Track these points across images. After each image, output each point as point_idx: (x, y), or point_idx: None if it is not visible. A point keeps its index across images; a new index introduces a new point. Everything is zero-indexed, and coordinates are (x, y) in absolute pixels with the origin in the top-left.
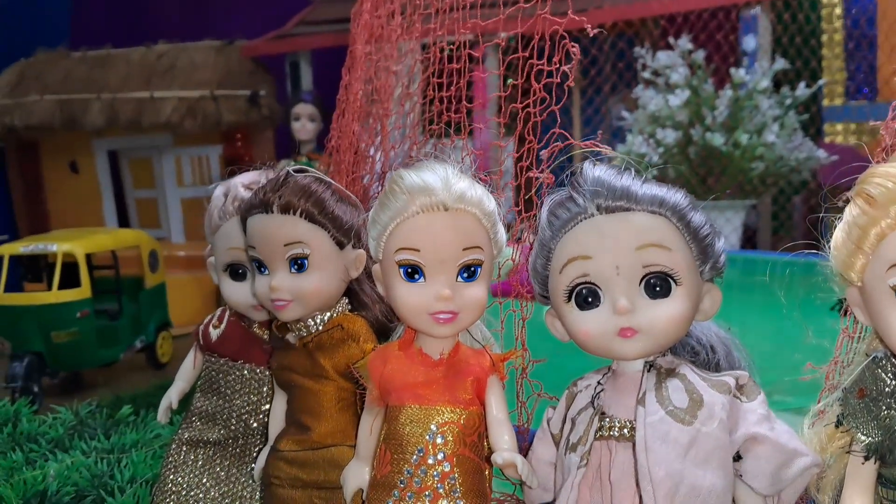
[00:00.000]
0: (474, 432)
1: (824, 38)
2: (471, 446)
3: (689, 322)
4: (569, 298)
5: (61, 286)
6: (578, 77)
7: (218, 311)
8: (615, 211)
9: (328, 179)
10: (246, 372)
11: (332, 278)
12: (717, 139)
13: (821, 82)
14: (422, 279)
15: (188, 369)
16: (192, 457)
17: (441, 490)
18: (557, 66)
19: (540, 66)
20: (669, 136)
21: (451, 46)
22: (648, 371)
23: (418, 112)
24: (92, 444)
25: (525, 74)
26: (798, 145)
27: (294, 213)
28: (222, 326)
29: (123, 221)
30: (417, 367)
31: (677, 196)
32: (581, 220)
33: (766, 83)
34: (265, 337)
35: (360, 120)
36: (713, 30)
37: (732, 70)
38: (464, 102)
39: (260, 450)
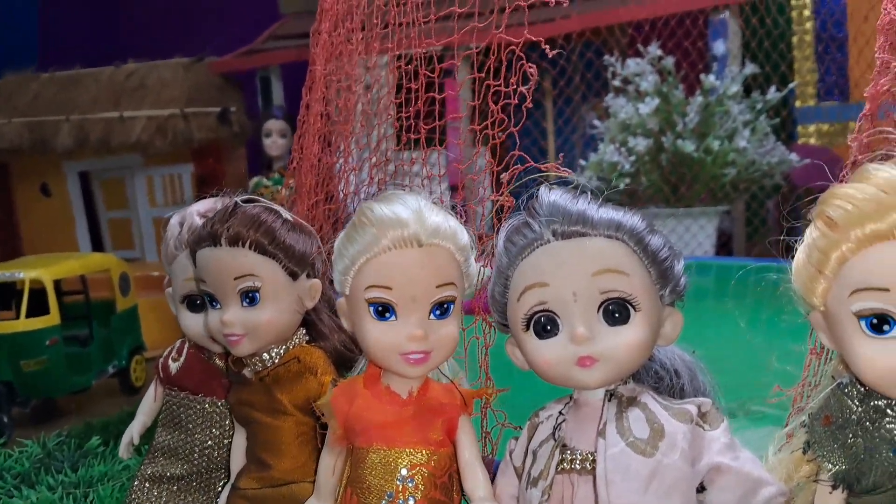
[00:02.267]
0: (445, 473)
1: (794, 39)
2: (441, 488)
3: (649, 349)
4: (527, 327)
5: (29, 314)
6: (549, 88)
7: (177, 344)
8: (571, 236)
9: (278, 208)
10: (207, 406)
11: (286, 310)
12: (689, 146)
13: (792, 85)
14: (393, 317)
15: (149, 403)
16: (156, 493)
17: None
18: (515, 85)
19: (497, 87)
20: (641, 144)
21: (417, 61)
22: (609, 400)
23: (387, 128)
24: (59, 477)
25: (483, 94)
26: (770, 149)
27: (243, 245)
28: (181, 359)
29: (97, 243)
30: (385, 407)
31: (634, 220)
32: (537, 247)
33: (736, 88)
34: (224, 368)
35: (321, 141)
36: (682, 36)
37: (702, 76)
38: (437, 116)
39: (224, 484)
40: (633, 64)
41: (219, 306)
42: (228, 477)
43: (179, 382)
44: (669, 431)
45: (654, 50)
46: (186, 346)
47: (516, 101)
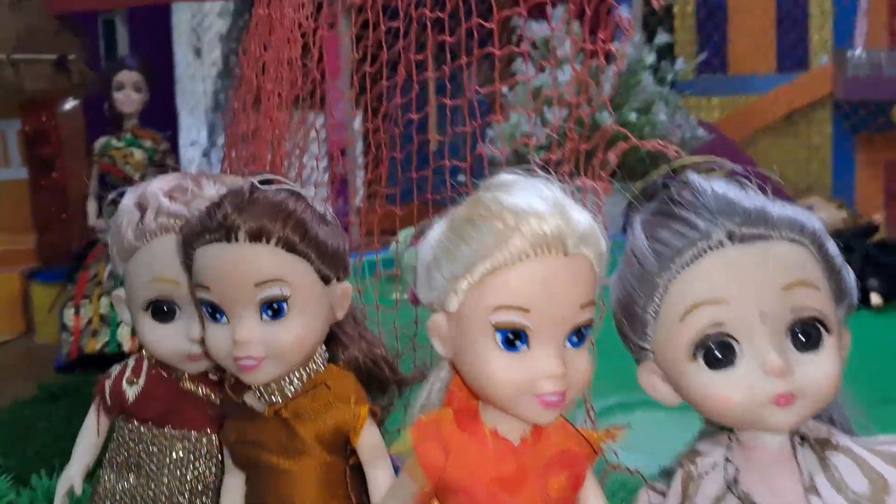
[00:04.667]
0: None
1: (676, 9)
2: None
3: (841, 380)
4: (694, 355)
5: None
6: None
7: (131, 362)
8: (751, 240)
9: (302, 192)
10: (178, 441)
11: (318, 324)
12: (605, 118)
13: (702, 57)
14: (524, 346)
15: (90, 439)
16: None
17: None
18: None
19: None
20: (557, 114)
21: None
22: (801, 444)
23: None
24: None
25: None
26: (681, 124)
27: (268, 242)
28: (140, 381)
29: None
30: (495, 457)
31: (813, 218)
32: (706, 251)
33: (651, 58)
34: (199, 392)
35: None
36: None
37: (616, 44)
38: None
39: None
40: (539, 27)
41: (224, 320)
42: None
43: (139, 411)
44: (892, 482)
45: (561, 13)
46: (146, 364)
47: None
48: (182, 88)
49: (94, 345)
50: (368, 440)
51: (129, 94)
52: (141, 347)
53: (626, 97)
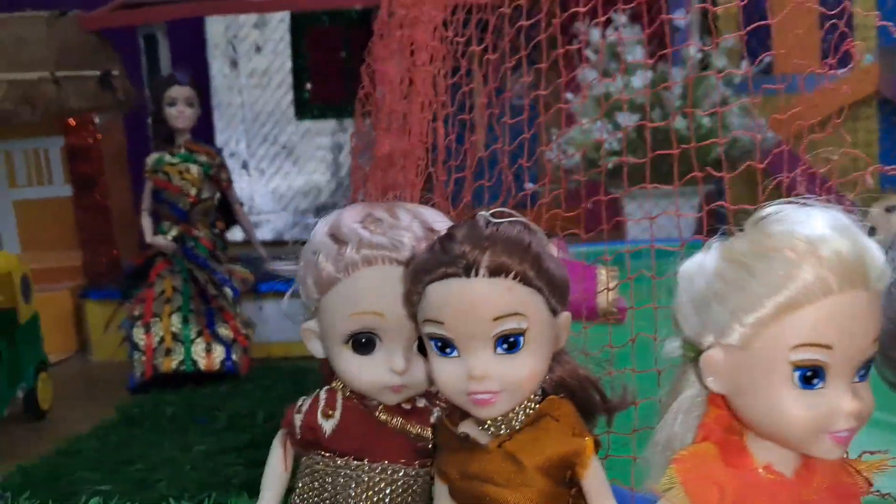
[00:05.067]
0: None
1: (720, 11)
2: None
3: None
4: None
5: None
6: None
7: (323, 394)
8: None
9: (531, 224)
10: (376, 474)
11: (548, 355)
12: (679, 122)
13: (767, 57)
14: (821, 384)
15: (277, 475)
16: None
17: None
18: None
19: None
20: (630, 120)
21: None
22: None
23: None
24: None
25: None
26: (752, 126)
27: (507, 276)
28: (336, 415)
29: None
30: (770, 490)
31: None
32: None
33: (723, 62)
34: (395, 424)
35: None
36: (641, 6)
37: (691, 49)
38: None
39: None
40: (595, 34)
41: (455, 353)
42: None
43: (337, 445)
44: None
45: (622, 19)
46: (340, 397)
47: None
48: (219, 101)
49: (170, 364)
50: (594, 473)
51: (181, 110)
52: (329, 378)
53: (696, 101)
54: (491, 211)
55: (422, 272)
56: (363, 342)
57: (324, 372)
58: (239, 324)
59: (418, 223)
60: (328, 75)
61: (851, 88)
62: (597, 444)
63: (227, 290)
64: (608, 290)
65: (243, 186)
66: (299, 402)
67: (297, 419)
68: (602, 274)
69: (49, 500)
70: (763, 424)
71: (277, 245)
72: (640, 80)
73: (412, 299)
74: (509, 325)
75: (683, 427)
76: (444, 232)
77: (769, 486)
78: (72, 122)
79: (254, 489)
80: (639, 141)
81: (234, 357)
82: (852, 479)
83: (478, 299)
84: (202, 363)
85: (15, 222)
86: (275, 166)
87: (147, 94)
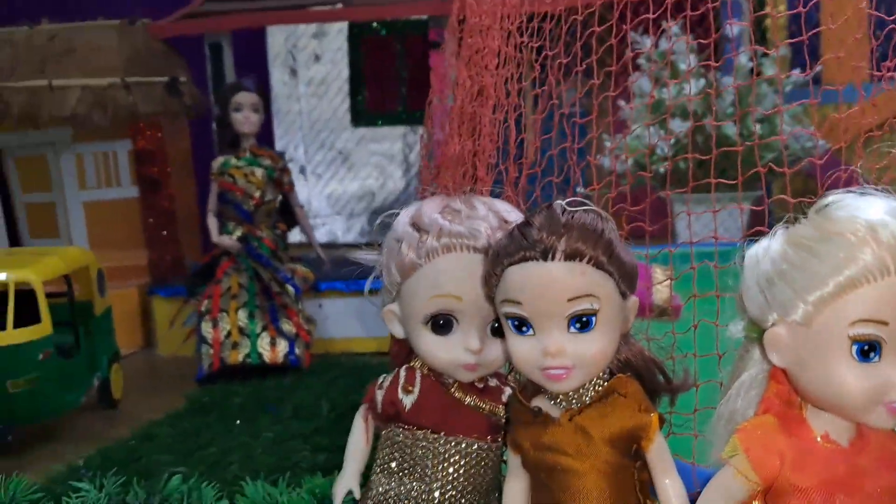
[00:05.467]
0: None
1: (768, 21)
2: None
3: None
4: None
5: (17, 323)
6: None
7: (403, 372)
8: None
9: (604, 213)
10: (451, 446)
11: (617, 335)
12: (730, 128)
13: (818, 67)
14: (877, 358)
15: (360, 447)
16: None
17: None
18: None
19: None
20: (682, 126)
21: None
22: None
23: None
24: None
25: None
26: (801, 134)
27: (581, 261)
28: (416, 391)
29: (11, 231)
30: (827, 458)
31: None
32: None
33: (772, 70)
34: (468, 401)
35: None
36: (692, 15)
37: (741, 58)
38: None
39: None
40: (645, 42)
41: (531, 332)
42: None
43: (417, 419)
44: None
45: (676, 29)
46: (418, 374)
47: None
48: (278, 108)
49: (236, 356)
50: (658, 447)
51: (247, 115)
52: (402, 360)
53: (746, 106)
54: (567, 200)
55: (502, 256)
56: (441, 323)
57: (394, 353)
58: (301, 320)
59: (493, 214)
60: (383, 84)
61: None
62: (661, 420)
63: (290, 288)
64: (662, 285)
65: (301, 191)
66: (380, 380)
67: (379, 395)
68: (657, 273)
69: (134, 479)
70: (822, 396)
71: (332, 248)
72: (693, 87)
73: (491, 282)
74: (582, 305)
75: (745, 403)
76: (520, 220)
77: (826, 454)
78: (141, 126)
79: (322, 471)
80: (688, 147)
81: (297, 351)
82: None
83: (554, 281)
84: (267, 356)
85: (84, 222)
86: (331, 171)
87: (212, 100)
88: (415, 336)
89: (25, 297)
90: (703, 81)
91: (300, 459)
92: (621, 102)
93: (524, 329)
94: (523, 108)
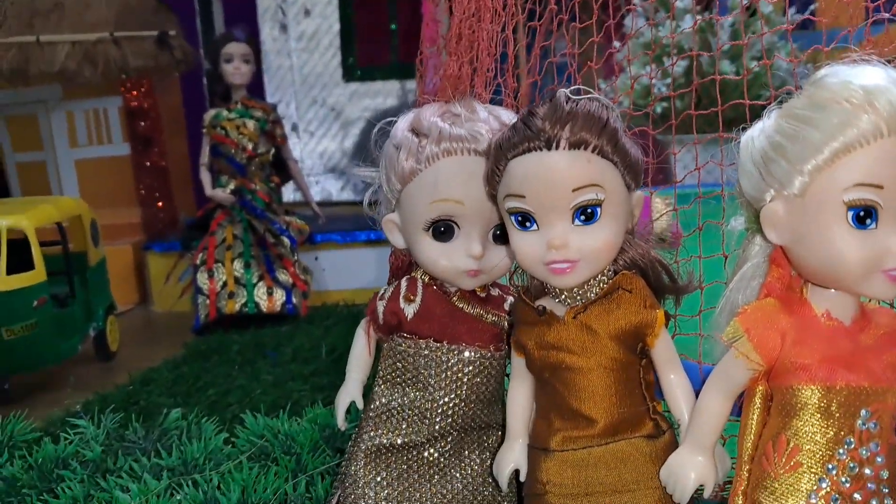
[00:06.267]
0: (894, 415)
1: None
2: (893, 431)
3: None
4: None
5: (10, 270)
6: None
7: (404, 283)
8: None
9: (608, 102)
10: (454, 355)
11: (622, 229)
12: (726, 66)
13: (812, 6)
14: (873, 224)
15: (363, 358)
16: (385, 466)
17: (872, 488)
18: None
19: None
20: (678, 65)
21: None
22: None
23: None
24: (148, 463)
25: None
26: (801, 73)
27: (586, 149)
28: (417, 300)
29: (3, 190)
30: (829, 335)
31: None
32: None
33: (769, 8)
34: (471, 310)
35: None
36: None
37: None
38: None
39: (500, 444)
40: None
41: (535, 227)
42: (485, 438)
43: (417, 328)
44: None
45: None
46: (420, 284)
47: None
48: (269, 64)
49: (233, 305)
50: (664, 343)
51: (238, 66)
52: (407, 269)
53: (742, 49)
54: (570, 88)
55: (505, 148)
56: (442, 230)
57: (394, 266)
58: (298, 270)
59: (493, 117)
60: (375, 37)
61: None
62: (667, 317)
63: (285, 239)
64: (662, 215)
65: (294, 149)
66: (381, 291)
67: (380, 305)
68: (657, 202)
69: (130, 419)
70: (820, 267)
71: (327, 206)
72: (688, 24)
73: (494, 178)
74: (587, 195)
75: (747, 293)
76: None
77: (828, 332)
78: (131, 82)
79: (323, 405)
80: (686, 86)
81: (294, 300)
82: None
83: (558, 171)
84: (264, 305)
85: (77, 181)
86: (324, 128)
87: (202, 55)
88: (415, 244)
89: (19, 246)
90: (698, 18)
91: (300, 398)
92: (616, 43)
93: (528, 224)
94: (521, 17)
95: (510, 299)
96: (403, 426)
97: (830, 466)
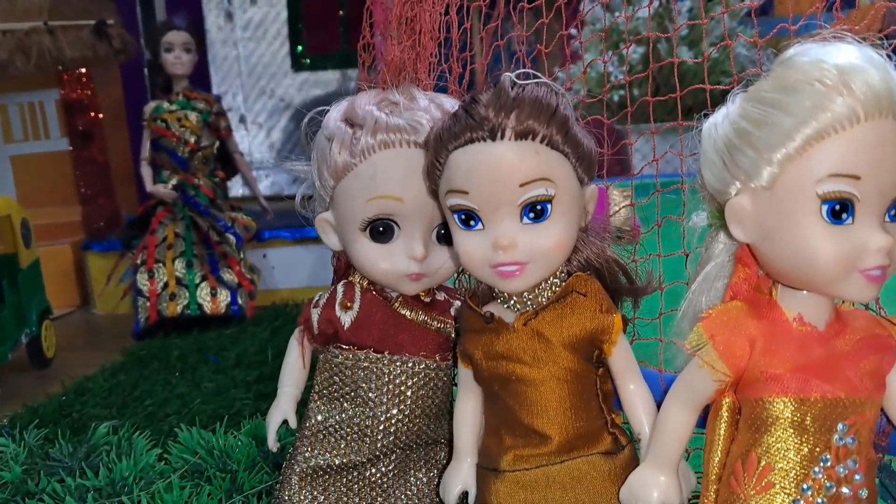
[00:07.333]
0: (873, 429)
1: None
2: (872, 447)
3: None
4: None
5: None
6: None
7: (340, 288)
8: None
9: (558, 87)
10: (396, 366)
11: (575, 227)
12: (684, 52)
13: None
14: (850, 220)
15: (296, 371)
16: (322, 490)
17: None
18: None
19: None
20: (636, 52)
21: None
22: None
23: None
24: (72, 483)
25: None
26: (760, 59)
27: (534, 140)
28: (355, 306)
29: None
30: (802, 342)
31: None
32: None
33: None
34: (414, 316)
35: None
36: None
37: None
38: None
39: (449, 460)
40: None
41: (479, 226)
42: (430, 456)
43: (356, 338)
44: None
45: None
46: (358, 289)
47: None
48: (214, 54)
49: (174, 308)
50: (622, 350)
51: (179, 56)
52: (346, 272)
53: (701, 32)
54: (516, 72)
55: (446, 139)
56: (381, 230)
57: (338, 266)
58: (243, 269)
59: (435, 106)
60: (324, 26)
61: (855, 29)
62: (624, 321)
63: (230, 237)
64: (621, 209)
65: (241, 141)
66: (316, 298)
67: (315, 313)
68: (615, 195)
69: (58, 434)
70: (792, 268)
71: (277, 200)
72: (645, 10)
73: (434, 172)
74: (536, 190)
75: (711, 295)
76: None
77: (800, 337)
78: (68, 74)
79: (264, 415)
80: (644, 73)
81: (239, 301)
82: (886, 332)
83: (504, 164)
84: (207, 307)
85: (12, 178)
86: (273, 120)
87: (143, 45)
88: (352, 246)
89: None
90: (656, 4)
91: (242, 407)
92: (573, 31)
93: (472, 223)
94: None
95: (457, 303)
96: (342, 445)
97: (805, 486)
